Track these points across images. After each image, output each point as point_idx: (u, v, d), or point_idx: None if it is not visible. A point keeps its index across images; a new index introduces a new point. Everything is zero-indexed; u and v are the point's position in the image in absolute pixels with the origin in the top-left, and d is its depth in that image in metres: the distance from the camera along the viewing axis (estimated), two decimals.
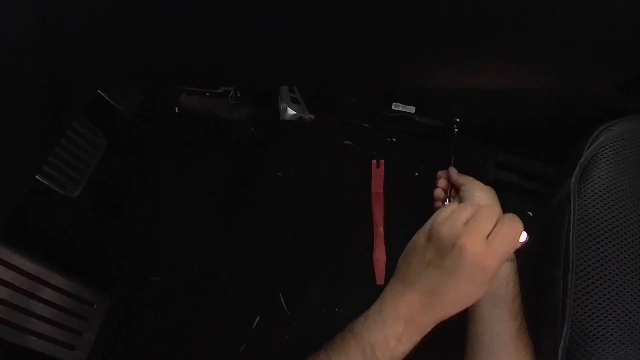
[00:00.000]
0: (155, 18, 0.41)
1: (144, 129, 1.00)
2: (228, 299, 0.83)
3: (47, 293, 0.78)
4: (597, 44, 0.44)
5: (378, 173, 0.87)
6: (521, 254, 0.68)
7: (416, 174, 0.87)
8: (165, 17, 0.41)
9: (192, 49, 0.45)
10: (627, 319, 0.59)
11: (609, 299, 0.60)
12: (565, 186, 0.69)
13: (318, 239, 0.84)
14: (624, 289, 0.60)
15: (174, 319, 0.83)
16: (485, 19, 0.41)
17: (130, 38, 0.44)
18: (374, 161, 0.88)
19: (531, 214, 0.82)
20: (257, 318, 0.80)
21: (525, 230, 0.72)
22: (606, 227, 0.62)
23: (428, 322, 0.48)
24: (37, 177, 0.82)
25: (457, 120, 0.85)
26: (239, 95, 0.98)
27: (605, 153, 0.67)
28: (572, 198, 0.66)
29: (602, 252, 0.61)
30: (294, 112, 0.94)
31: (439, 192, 0.73)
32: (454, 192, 0.71)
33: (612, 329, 0.59)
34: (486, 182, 0.71)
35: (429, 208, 0.76)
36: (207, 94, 0.98)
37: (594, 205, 0.64)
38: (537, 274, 0.75)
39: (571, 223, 0.64)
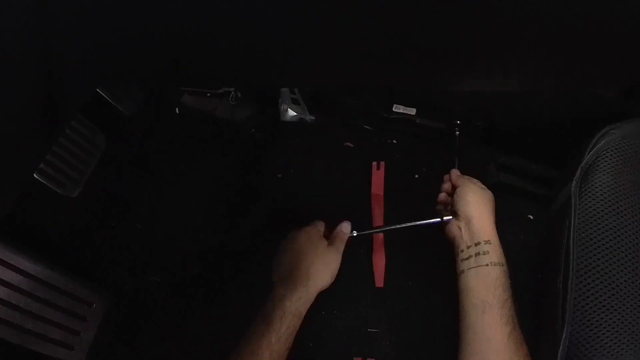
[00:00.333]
0: (153, 16, 0.41)
1: (144, 129, 1.00)
2: (227, 299, 0.82)
3: (45, 292, 0.78)
4: (603, 48, 0.44)
5: (378, 175, 0.87)
6: (518, 258, 0.68)
7: (416, 176, 0.87)
8: (164, 15, 0.41)
9: (191, 47, 0.45)
10: (627, 324, 0.59)
11: (609, 303, 0.59)
12: (567, 189, 0.69)
13: None
14: (624, 293, 0.59)
15: (173, 319, 0.83)
16: (491, 23, 0.41)
17: (128, 36, 0.44)
18: (374, 163, 0.88)
19: (532, 217, 0.81)
20: None
21: (526, 233, 0.73)
22: (607, 231, 0.62)
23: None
24: (36, 176, 0.82)
25: (459, 122, 0.85)
26: (239, 96, 0.98)
27: (607, 156, 0.67)
28: (573, 201, 0.65)
29: (602, 256, 0.61)
30: (295, 113, 0.95)
31: (442, 197, 0.73)
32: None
33: (612, 333, 0.59)
34: (487, 184, 0.71)
35: (429, 210, 0.76)
36: (208, 94, 0.98)
37: (594, 209, 0.64)
38: (537, 278, 0.74)
39: (572, 227, 0.64)
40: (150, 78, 0.57)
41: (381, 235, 0.81)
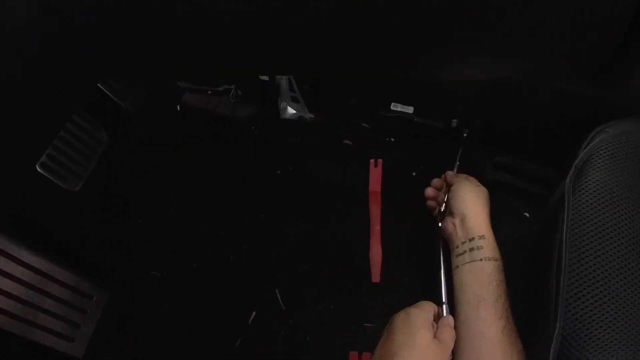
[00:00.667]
0: (156, 6, 0.42)
1: (146, 125, 1.01)
2: (225, 294, 0.83)
3: (46, 285, 0.79)
4: (560, 34, 0.44)
5: (376, 172, 0.88)
6: (514, 255, 0.68)
7: (414, 173, 0.88)
8: (166, 4, 0.42)
9: (191, 34, 0.46)
10: (619, 320, 0.59)
11: (601, 299, 0.60)
12: (561, 187, 0.70)
13: (315, 236, 0.85)
14: (616, 289, 0.60)
15: (172, 313, 0.84)
16: (454, 12, 0.41)
17: (131, 25, 0.45)
18: (372, 160, 0.89)
19: (527, 215, 0.82)
20: (254, 313, 0.80)
21: (521, 230, 0.74)
22: (599, 227, 0.63)
23: None
24: (39, 170, 0.83)
25: (456, 121, 0.86)
26: (240, 93, 0.99)
27: (600, 154, 0.67)
28: (566, 198, 0.66)
29: (595, 252, 0.61)
30: (294, 111, 0.96)
31: (429, 191, 0.74)
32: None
33: (604, 329, 0.59)
34: (483, 182, 0.72)
35: (425, 207, 0.77)
36: (209, 92, 1.00)
37: (587, 206, 0.64)
38: (532, 275, 0.75)
39: (565, 223, 0.64)
40: (152, 70, 0.57)
41: (378, 230, 0.82)
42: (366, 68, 0.54)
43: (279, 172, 0.93)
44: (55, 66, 0.48)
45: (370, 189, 0.86)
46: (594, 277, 0.60)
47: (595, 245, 0.62)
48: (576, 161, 0.68)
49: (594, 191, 0.65)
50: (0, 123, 0.46)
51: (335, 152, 0.93)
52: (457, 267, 0.63)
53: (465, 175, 0.74)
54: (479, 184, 0.71)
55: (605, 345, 0.59)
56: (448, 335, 0.55)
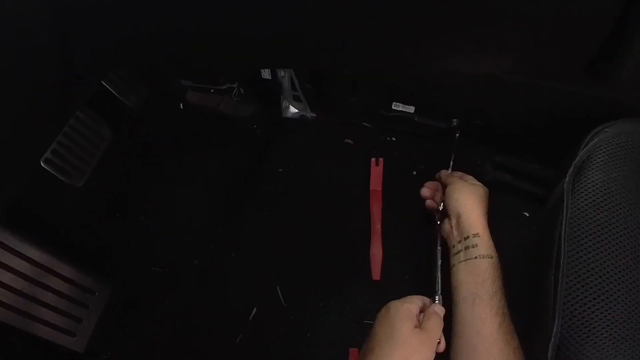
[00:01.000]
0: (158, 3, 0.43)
1: (149, 123, 1.02)
2: (226, 290, 0.84)
3: (49, 280, 0.80)
4: (552, 27, 0.45)
5: (377, 171, 0.88)
6: (514, 255, 0.69)
7: (414, 173, 0.88)
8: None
9: (195, 26, 0.47)
10: (617, 317, 0.60)
11: (599, 297, 0.60)
12: (560, 186, 0.70)
13: (316, 233, 0.85)
14: (614, 287, 0.60)
15: (173, 309, 0.85)
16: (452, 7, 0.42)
17: (135, 25, 0.45)
18: (373, 159, 0.89)
19: (527, 215, 0.83)
20: (255, 310, 0.81)
21: (521, 230, 0.74)
22: (598, 226, 0.63)
23: None
24: (43, 165, 0.84)
25: (455, 121, 0.87)
26: (242, 92, 1.00)
27: (599, 154, 0.68)
28: (565, 197, 0.67)
29: (593, 250, 0.62)
30: (296, 110, 0.96)
31: (425, 191, 0.75)
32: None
33: (602, 327, 0.60)
34: (484, 182, 0.73)
35: (424, 206, 0.77)
36: (212, 90, 1.00)
37: (586, 205, 0.65)
38: (532, 273, 0.76)
39: (564, 222, 0.65)
40: (156, 65, 0.58)
41: (378, 228, 0.82)
42: (365, 59, 0.55)
43: (280, 170, 0.93)
44: (60, 61, 0.48)
45: (371, 188, 0.87)
46: (592, 276, 0.61)
47: (594, 244, 0.62)
48: (575, 160, 0.69)
49: (593, 190, 0.65)
50: (5, 117, 0.46)
51: (336, 151, 0.93)
52: (454, 265, 0.64)
53: (460, 174, 0.75)
54: (474, 181, 0.71)
55: (604, 343, 0.59)
56: (433, 323, 0.54)
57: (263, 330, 0.79)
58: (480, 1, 0.42)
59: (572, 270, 0.62)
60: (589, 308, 0.60)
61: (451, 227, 0.67)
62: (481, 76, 0.64)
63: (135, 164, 0.99)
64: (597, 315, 0.60)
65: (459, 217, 0.65)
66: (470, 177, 0.72)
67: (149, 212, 0.94)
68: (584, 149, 0.69)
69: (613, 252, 0.61)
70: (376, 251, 0.81)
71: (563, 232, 0.64)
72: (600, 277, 0.61)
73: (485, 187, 0.70)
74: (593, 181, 0.66)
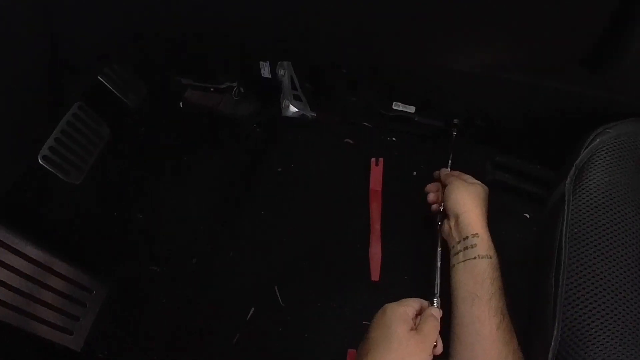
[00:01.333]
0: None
1: (148, 121, 1.02)
2: (224, 290, 0.84)
3: (47, 278, 0.79)
4: (550, 20, 0.45)
5: (377, 171, 0.88)
6: (514, 256, 0.68)
7: (414, 173, 0.88)
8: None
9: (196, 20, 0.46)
10: (617, 320, 0.59)
11: (600, 299, 0.60)
12: (561, 187, 0.70)
13: (315, 233, 0.85)
14: (616, 289, 0.60)
15: (170, 308, 0.85)
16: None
17: (131, 14, 0.45)
18: (373, 159, 0.89)
19: (528, 216, 0.82)
20: (252, 309, 0.80)
21: (521, 231, 0.73)
22: (599, 227, 0.62)
23: None
24: (41, 162, 0.83)
25: (457, 121, 0.86)
26: (242, 91, 0.99)
27: (601, 155, 0.67)
28: (566, 198, 0.66)
29: (594, 252, 0.61)
30: (296, 110, 0.96)
31: (431, 197, 0.75)
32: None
33: (602, 330, 0.59)
34: (484, 182, 0.72)
35: (425, 207, 0.77)
36: (212, 89, 1.00)
37: (587, 206, 0.64)
38: (531, 274, 0.75)
39: (565, 223, 0.64)
40: (152, 61, 0.58)
41: (378, 229, 0.82)
42: (363, 54, 0.54)
43: (279, 169, 0.93)
44: (58, 57, 0.48)
45: (371, 188, 0.86)
46: (593, 277, 0.60)
47: (595, 246, 0.61)
48: (577, 161, 0.68)
49: (594, 191, 0.65)
50: (4, 110, 0.46)
51: (336, 151, 0.93)
52: (453, 266, 0.63)
53: (457, 173, 0.74)
54: (473, 180, 0.71)
55: (604, 346, 0.59)
56: (429, 326, 0.54)
57: (261, 331, 0.79)
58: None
59: (572, 272, 0.61)
60: (589, 311, 0.60)
61: (450, 227, 0.66)
62: (481, 75, 0.64)
63: (133, 162, 0.98)
64: (598, 319, 0.59)
65: (457, 217, 0.65)
66: (468, 177, 0.72)
67: (147, 210, 0.94)
68: (586, 150, 0.69)
69: (614, 254, 0.60)
70: (375, 251, 0.81)
71: (564, 233, 0.63)
72: (601, 279, 0.60)
73: (485, 186, 0.69)
74: (594, 182, 0.65)
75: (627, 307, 0.59)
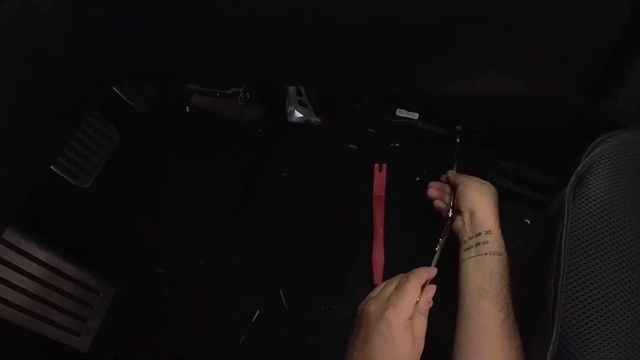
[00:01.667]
0: (168, 18, 0.44)
1: (156, 126, 1.03)
2: (230, 292, 0.85)
3: (54, 280, 0.80)
4: (555, 50, 0.46)
5: (380, 177, 0.89)
6: (515, 262, 0.69)
7: (417, 179, 0.89)
8: (181, 15, 0.44)
9: (203, 44, 0.48)
10: (616, 326, 0.60)
11: (598, 305, 0.61)
12: (561, 195, 0.71)
13: (319, 237, 0.86)
14: (614, 295, 0.61)
15: (176, 310, 0.86)
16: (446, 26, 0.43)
17: (145, 37, 0.47)
18: (376, 165, 0.90)
19: (529, 222, 0.83)
20: (257, 312, 0.81)
21: (523, 237, 0.74)
22: (598, 235, 0.64)
23: None
24: (51, 167, 0.85)
25: (459, 127, 0.87)
26: (248, 96, 1.01)
27: (601, 163, 0.68)
28: (566, 206, 0.67)
29: (592, 259, 0.62)
30: (301, 115, 0.97)
31: (432, 192, 0.75)
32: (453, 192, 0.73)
33: (601, 335, 0.60)
34: None
35: (428, 211, 0.78)
36: (218, 94, 1.01)
37: (587, 214, 0.65)
38: (531, 280, 0.76)
39: (564, 230, 0.65)
40: (164, 76, 0.59)
41: (381, 234, 0.83)
42: (374, 79, 0.56)
43: (284, 174, 0.94)
44: (73, 70, 0.49)
45: (375, 193, 0.88)
46: (591, 284, 0.61)
47: (593, 253, 0.62)
48: (577, 170, 0.69)
49: (594, 200, 0.66)
50: (17, 124, 0.47)
51: (340, 156, 0.94)
52: (464, 260, 0.64)
53: (467, 175, 0.75)
54: (484, 181, 0.72)
55: (601, 352, 0.60)
56: (421, 325, 0.54)
57: (265, 333, 0.80)
58: (483, 30, 0.43)
59: (571, 279, 0.62)
60: (587, 316, 0.60)
61: (463, 223, 0.67)
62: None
63: (141, 165, 1.00)
64: (596, 324, 0.60)
65: (472, 213, 0.66)
66: (477, 178, 0.73)
67: (154, 213, 0.95)
68: (586, 158, 0.70)
69: (613, 262, 0.61)
70: (378, 256, 0.82)
71: (563, 241, 0.64)
72: (599, 287, 0.61)
73: (494, 187, 0.71)
74: (594, 191, 0.66)
75: (625, 314, 0.60)
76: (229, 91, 1.00)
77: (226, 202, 0.95)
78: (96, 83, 0.52)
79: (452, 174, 0.76)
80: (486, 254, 0.62)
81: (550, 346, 0.61)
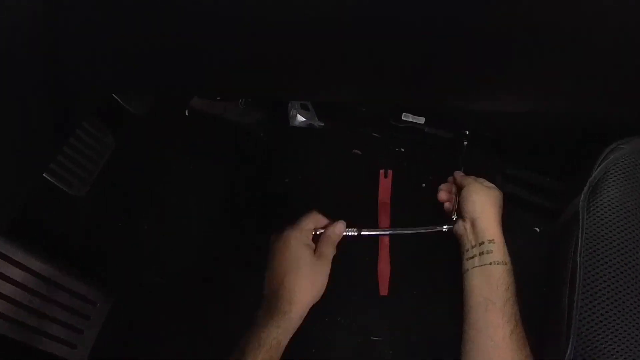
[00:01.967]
0: (161, 26, 0.42)
1: (153, 130, 1.00)
2: (229, 302, 0.83)
3: (50, 290, 0.78)
4: (611, 70, 0.44)
5: (385, 183, 0.87)
6: (523, 270, 0.68)
7: (423, 185, 0.87)
8: (172, 26, 0.42)
9: (199, 60, 0.46)
10: (633, 343, 0.59)
11: (614, 320, 0.59)
12: (574, 204, 0.69)
13: None
14: (630, 311, 0.59)
15: (175, 320, 0.83)
16: (499, 45, 0.41)
17: (136, 47, 0.44)
18: (381, 171, 0.88)
19: (538, 230, 0.81)
20: None
21: (531, 244, 0.72)
22: (615, 248, 0.62)
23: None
24: (45, 175, 0.82)
25: (467, 132, 0.86)
26: (249, 100, 0.98)
27: (615, 172, 0.66)
28: (581, 217, 0.65)
29: (609, 272, 0.61)
30: (304, 119, 0.95)
31: (442, 195, 0.74)
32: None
33: (617, 350, 0.58)
34: None
35: (435, 219, 0.76)
36: (218, 97, 0.99)
37: (602, 225, 0.64)
38: (542, 291, 0.74)
39: (579, 242, 0.63)
40: (160, 86, 0.57)
41: (387, 243, 0.81)
42: (397, 95, 0.54)
43: (286, 180, 0.92)
44: (66, 77, 0.47)
45: (380, 200, 0.85)
46: (609, 300, 0.59)
47: (610, 267, 0.61)
48: (590, 178, 0.67)
49: (609, 210, 0.64)
50: (10, 131, 0.45)
51: (344, 161, 0.92)
52: (467, 270, 0.63)
53: (474, 177, 0.74)
54: (489, 184, 0.70)
55: None
56: (328, 248, 0.65)
57: None
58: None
59: (587, 293, 0.60)
60: (604, 332, 0.59)
61: (465, 229, 0.66)
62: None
63: (138, 171, 0.97)
64: (612, 339, 0.59)
65: (474, 220, 0.65)
66: (484, 180, 0.71)
67: (151, 221, 0.92)
68: (599, 167, 0.68)
69: (630, 275, 0.60)
70: (384, 266, 0.80)
71: (579, 254, 0.62)
72: (616, 300, 0.59)
73: (500, 191, 0.69)
74: (609, 201, 0.65)
75: None
76: None
77: (226, 209, 0.93)
78: (79, 93, 0.49)
79: (458, 175, 0.75)
80: (490, 263, 0.61)
81: None
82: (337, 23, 0.40)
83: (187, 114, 1.00)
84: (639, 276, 0.60)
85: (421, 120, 0.87)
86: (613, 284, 0.60)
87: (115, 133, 0.97)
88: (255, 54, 0.45)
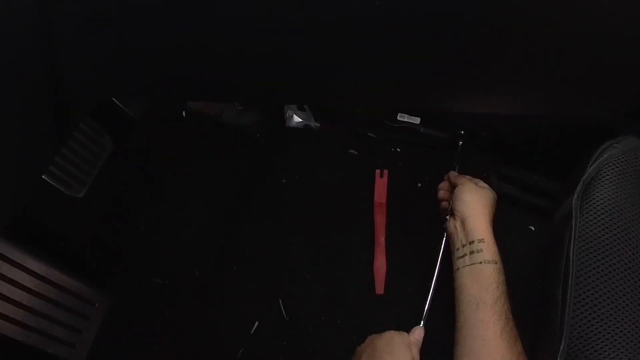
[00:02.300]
0: (159, 32, 0.42)
1: (151, 131, 1.01)
2: (228, 303, 0.83)
3: (49, 291, 0.79)
4: (602, 74, 0.45)
5: (381, 183, 0.87)
6: (518, 269, 0.68)
7: (419, 184, 0.87)
8: (170, 31, 0.42)
9: (197, 64, 0.46)
10: (625, 338, 0.59)
11: (607, 317, 0.59)
12: (568, 202, 0.69)
13: (319, 246, 0.84)
14: (623, 309, 0.60)
15: (173, 321, 0.84)
16: (496, 49, 0.42)
17: (133, 51, 0.45)
18: (377, 171, 0.88)
19: (533, 229, 0.82)
20: (256, 323, 0.80)
21: (526, 243, 0.72)
22: (607, 245, 0.62)
23: None
24: (43, 177, 0.83)
25: (462, 132, 0.86)
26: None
27: (608, 170, 0.67)
28: (574, 214, 0.66)
29: (601, 270, 0.61)
30: (300, 120, 0.95)
31: (442, 194, 0.75)
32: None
33: (610, 348, 0.59)
34: None
35: (430, 219, 0.76)
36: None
37: (595, 223, 0.64)
38: (536, 289, 0.75)
39: (572, 240, 0.64)
40: (156, 91, 0.58)
41: (382, 241, 0.81)
42: (367, 100, 0.54)
43: (283, 180, 0.92)
44: (63, 79, 0.48)
45: (376, 200, 0.86)
46: (601, 297, 0.60)
47: (603, 264, 0.61)
48: (584, 177, 0.68)
49: (602, 209, 0.64)
50: (9, 132, 0.46)
51: (340, 162, 0.92)
52: (458, 269, 0.64)
53: (469, 177, 0.74)
54: (483, 185, 0.71)
55: None
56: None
57: (265, 345, 0.78)
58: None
59: (580, 290, 0.61)
60: (596, 329, 0.59)
61: (456, 228, 0.67)
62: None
63: (136, 173, 0.98)
64: (605, 336, 0.59)
65: (464, 219, 0.66)
66: (478, 180, 0.72)
67: (149, 222, 0.93)
68: (593, 165, 0.68)
69: (622, 273, 0.60)
70: (380, 264, 0.80)
71: (571, 251, 0.63)
72: (609, 297, 0.60)
73: (493, 192, 0.70)
74: (602, 199, 0.65)
75: (635, 323, 0.59)
76: None
77: (223, 209, 0.93)
78: (77, 96, 0.50)
79: (452, 174, 0.75)
80: (481, 262, 0.62)
81: (558, 358, 0.60)
82: (333, 28, 0.41)
83: (184, 115, 1.01)
84: (632, 274, 0.61)
85: (417, 120, 0.87)
86: (606, 281, 0.60)
87: (113, 135, 0.98)
88: (252, 60, 0.45)
